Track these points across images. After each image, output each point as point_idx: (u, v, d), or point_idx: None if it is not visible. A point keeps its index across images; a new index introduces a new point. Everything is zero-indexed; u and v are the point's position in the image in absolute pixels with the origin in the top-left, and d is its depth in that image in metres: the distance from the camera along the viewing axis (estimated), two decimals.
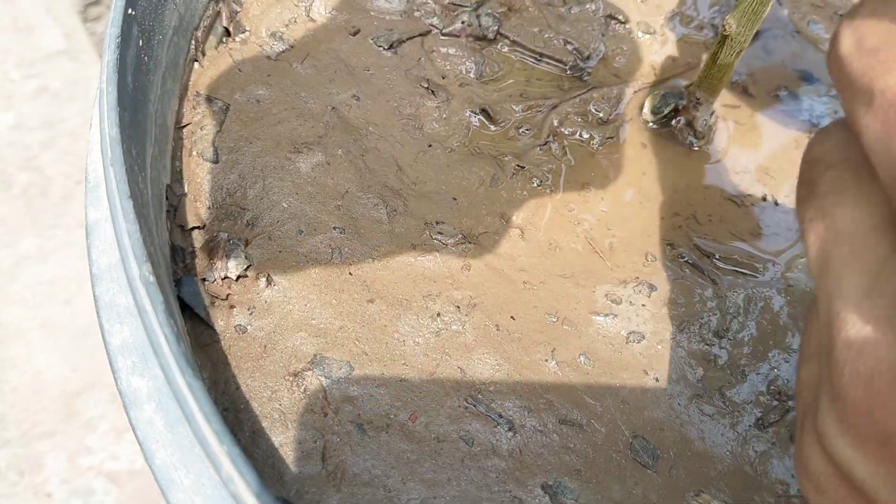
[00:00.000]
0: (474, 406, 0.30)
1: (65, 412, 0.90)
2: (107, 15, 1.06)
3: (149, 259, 0.23)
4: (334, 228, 0.34)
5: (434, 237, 0.35)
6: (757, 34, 0.47)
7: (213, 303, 0.31)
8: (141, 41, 0.30)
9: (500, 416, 0.30)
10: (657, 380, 0.32)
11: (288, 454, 0.28)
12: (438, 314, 0.32)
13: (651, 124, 0.41)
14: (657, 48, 0.44)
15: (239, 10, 0.41)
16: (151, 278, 0.22)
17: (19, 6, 1.20)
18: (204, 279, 0.31)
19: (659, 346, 0.33)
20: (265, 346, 0.30)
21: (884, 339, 0.15)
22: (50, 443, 0.87)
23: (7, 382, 0.91)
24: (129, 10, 0.29)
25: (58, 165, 1.04)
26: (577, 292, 0.34)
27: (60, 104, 1.10)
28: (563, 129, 0.40)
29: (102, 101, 0.26)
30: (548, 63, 0.42)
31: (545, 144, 0.39)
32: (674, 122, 0.41)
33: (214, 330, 0.30)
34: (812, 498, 0.18)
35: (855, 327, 0.16)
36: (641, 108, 0.42)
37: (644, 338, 0.33)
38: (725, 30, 0.37)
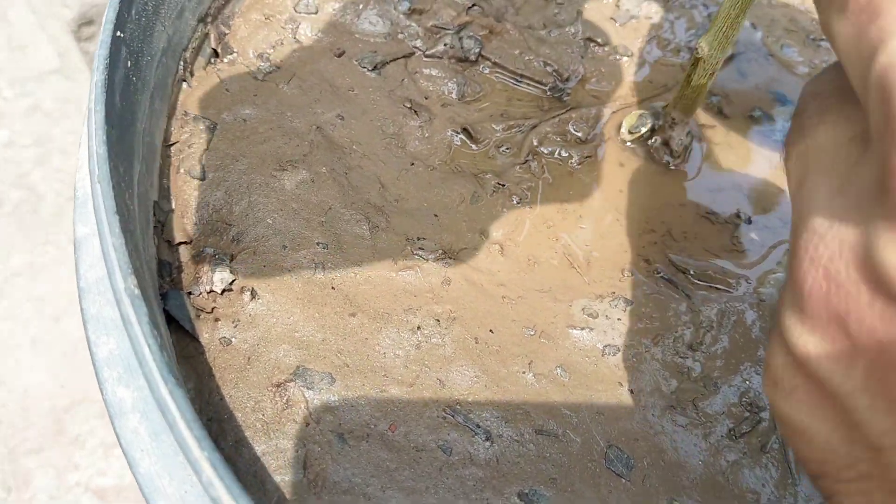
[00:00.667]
0: (452, 416, 0.31)
1: (53, 428, 0.90)
2: (100, 35, 1.08)
3: (134, 272, 0.24)
4: (318, 244, 0.35)
5: (415, 252, 0.36)
6: (732, 57, 0.48)
7: (198, 315, 0.32)
8: (129, 62, 0.31)
9: (478, 426, 0.31)
10: (632, 391, 0.33)
11: (270, 463, 0.28)
12: (419, 327, 0.33)
13: (629, 143, 0.42)
14: (635, 70, 0.46)
15: (227, 31, 0.42)
16: (136, 291, 0.23)
17: (13, 25, 1.21)
18: (190, 293, 0.32)
19: (634, 359, 0.34)
20: (249, 358, 0.31)
21: (846, 226, 0.16)
22: (38, 459, 0.87)
23: None
24: (118, 33, 0.30)
25: (49, 183, 1.05)
26: (554, 306, 0.35)
27: (53, 122, 1.10)
28: (542, 148, 0.41)
29: (91, 120, 0.27)
30: (528, 84, 0.44)
31: (525, 163, 0.40)
32: (651, 141, 0.42)
33: (199, 342, 0.31)
34: (769, 392, 0.19)
35: (820, 221, 0.17)
36: (619, 127, 0.43)
37: (619, 351, 0.34)
38: (698, 52, 0.38)
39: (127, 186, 0.29)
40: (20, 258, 0.99)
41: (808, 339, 0.17)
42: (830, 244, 0.16)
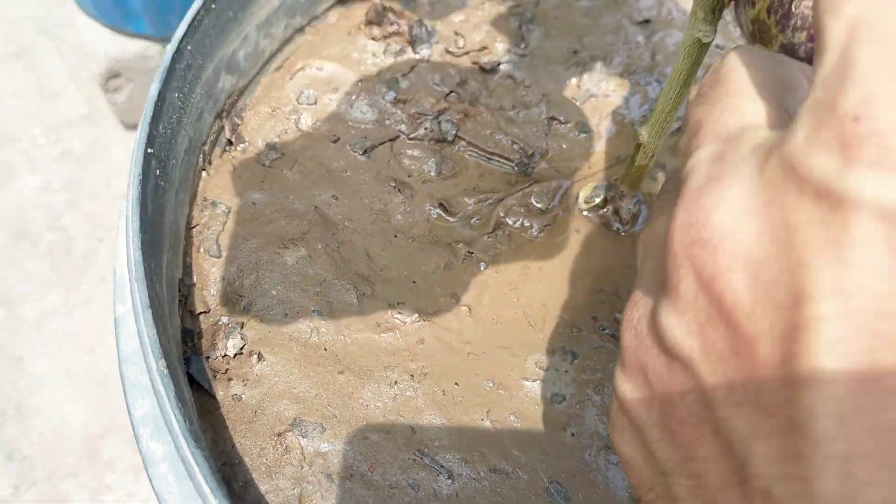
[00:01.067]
0: (421, 458, 0.37)
1: (87, 454, 0.98)
2: (126, 87, 1.16)
3: (163, 354, 0.31)
4: (313, 311, 0.42)
5: (395, 316, 0.42)
6: (679, 129, 0.54)
7: (214, 376, 0.39)
8: (158, 171, 0.38)
9: (442, 466, 0.37)
10: (573, 434, 0.39)
11: (272, 500, 0.35)
12: (395, 382, 0.40)
13: (584, 213, 0.49)
14: (592, 145, 0.52)
15: (240, 122, 0.49)
16: (165, 371, 0.30)
17: (46, 74, 1.30)
18: (208, 357, 0.39)
19: (577, 406, 0.40)
20: (255, 412, 0.38)
21: (650, 297, 0.22)
22: (74, 482, 0.94)
23: (34, 428, 0.99)
24: (149, 150, 0.37)
25: (80, 225, 1.13)
26: (511, 361, 0.42)
27: (82, 167, 1.19)
28: (507, 220, 0.48)
29: (128, 229, 0.34)
30: (497, 161, 0.50)
31: (492, 233, 0.47)
32: (603, 210, 0.49)
33: (216, 399, 0.38)
34: (609, 431, 0.25)
35: (638, 292, 0.23)
36: (577, 198, 0.49)
37: (565, 399, 0.41)
38: (638, 139, 0.44)
39: (157, 277, 0.36)
40: (55, 297, 1.07)
41: (626, 387, 0.22)
42: (640, 309, 0.22)
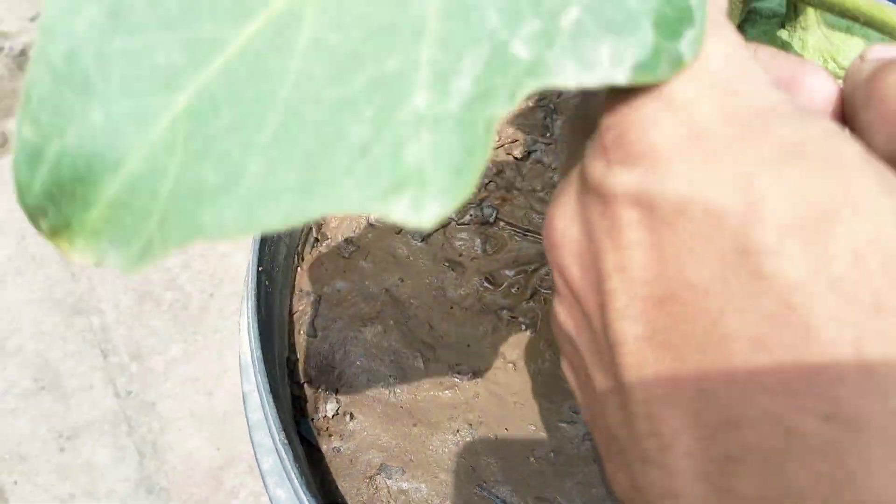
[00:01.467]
0: (481, 491, 0.48)
1: (212, 484, 1.13)
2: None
3: (283, 427, 0.43)
4: (390, 377, 0.53)
5: (454, 376, 0.53)
6: None
7: (318, 434, 0.51)
8: (266, 281, 0.51)
9: (497, 497, 0.48)
10: (601, 468, 0.49)
11: None
12: (457, 430, 0.51)
13: None
14: None
15: (323, 223, 0.61)
16: (285, 440, 0.42)
17: None
18: (312, 418, 0.51)
19: None
20: (351, 460, 0.49)
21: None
22: None
23: (167, 462, 1.15)
24: (259, 268, 0.50)
25: (194, 283, 1.29)
26: (550, 406, 0.52)
27: None
28: (542, 287, 0.58)
29: (250, 331, 0.46)
30: (532, 236, 0.61)
31: (530, 299, 0.58)
32: None
33: (321, 452, 0.50)
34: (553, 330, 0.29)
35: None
36: None
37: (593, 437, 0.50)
38: None
39: (272, 363, 0.48)
40: (177, 347, 1.23)
41: (563, 349, 0.27)
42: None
